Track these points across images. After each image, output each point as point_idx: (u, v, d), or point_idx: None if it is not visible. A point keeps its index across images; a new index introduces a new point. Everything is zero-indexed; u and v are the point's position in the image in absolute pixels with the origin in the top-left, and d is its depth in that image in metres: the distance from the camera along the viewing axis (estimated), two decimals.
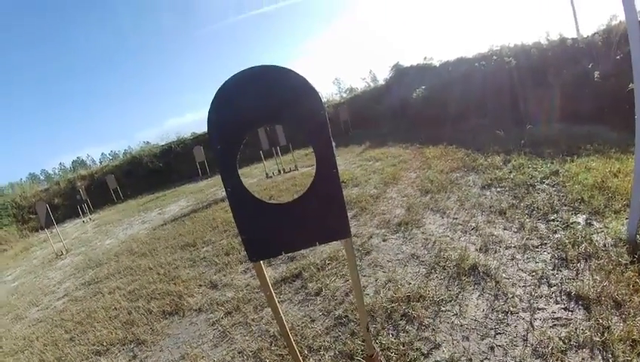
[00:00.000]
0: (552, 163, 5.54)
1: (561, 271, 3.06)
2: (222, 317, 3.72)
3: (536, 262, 3.26)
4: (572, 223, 3.74)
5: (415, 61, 17.19)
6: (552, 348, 2.27)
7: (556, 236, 3.59)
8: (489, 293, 3.00)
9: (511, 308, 2.75)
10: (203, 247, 6.03)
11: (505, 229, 4.02)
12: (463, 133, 9.72)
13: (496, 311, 2.76)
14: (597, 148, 5.69)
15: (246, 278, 4.45)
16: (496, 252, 3.60)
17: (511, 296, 2.89)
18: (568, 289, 2.78)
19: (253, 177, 11.87)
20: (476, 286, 3.14)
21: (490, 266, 3.32)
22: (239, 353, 3.09)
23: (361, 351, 2.67)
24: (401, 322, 2.91)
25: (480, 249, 3.72)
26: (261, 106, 1.86)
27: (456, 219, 4.57)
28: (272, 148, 11.43)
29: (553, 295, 2.79)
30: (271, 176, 10.90)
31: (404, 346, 2.63)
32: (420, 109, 13.28)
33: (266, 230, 2.01)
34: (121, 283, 5.48)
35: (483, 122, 10.04)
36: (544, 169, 5.38)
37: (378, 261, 4.01)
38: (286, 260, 4.59)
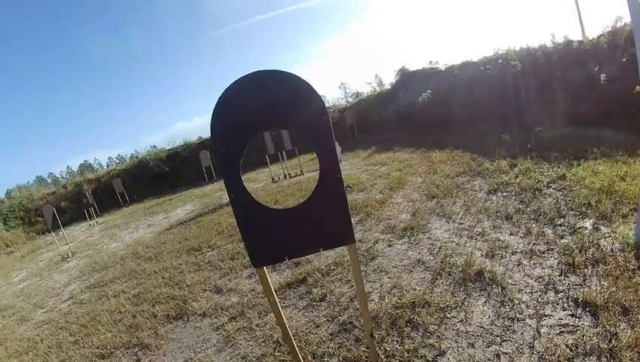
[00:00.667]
0: (559, 167, 5.50)
1: (568, 276, 3.02)
2: (226, 322, 3.71)
3: (543, 268, 3.22)
4: (579, 228, 3.70)
5: (421, 65, 17.21)
6: (558, 356, 2.24)
7: (563, 241, 3.56)
8: (495, 300, 2.97)
9: (517, 315, 2.72)
10: (208, 252, 6.03)
11: (511, 234, 3.98)
12: (469, 137, 9.68)
13: (503, 318, 2.73)
14: (604, 152, 5.64)
15: (251, 283, 4.44)
16: (502, 257, 3.56)
17: (517, 302, 2.86)
18: (575, 296, 2.74)
19: (259, 182, 11.89)
20: (482, 292, 3.11)
21: (497, 272, 3.29)
22: (243, 358, 3.08)
23: (366, 357, 2.65)
24: (405, 328, 2.88)
25: (486, 254, 3.69)
26: (264, 111, 1.86)
27: (462, 224, 4.54)
28: (277, 152, 11.45)
29: (560, 301, 2.76)
30: (277, 181, 10.91)
31: (408, 353, 2.60)
32: (425, 114, 13.24)
33: (270, 235, 2.00)
34: (126, 286, 5.50)
35: (489, 126, 9.99)
36: (551, 173, 5.34)
37: (383, 266, 3.98)
38: (291, 265, 4.58)
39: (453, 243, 4.09)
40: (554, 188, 4.86)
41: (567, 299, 2.76)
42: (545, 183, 5.06)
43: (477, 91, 11.53)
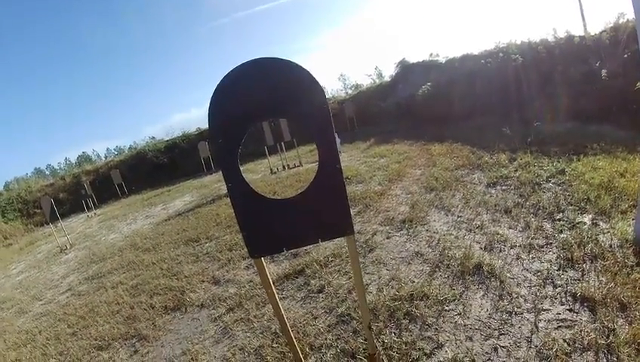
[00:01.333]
0: (559, 162, 5.48)
1: (566, 271, 3.02)
2: (224, 313, 3.71)
3: (542, 262, 3.22)
4: (578, 223, 3.69)
5: (421, 58, 17.13)
6: (556, 350, 2.24)
7: (562, 236, 3.55)
8: (493, 293, 2.97)
9: (515, 309, 2.72)
10: (206, 243, 6.03)
11: (510, 228, 3.97)
12: (469, 130, 9.65)
13: (501, 312, 2.73)
14: (604, 148, 5.62)
15: (249, 274, 4.44)
16: (501, 251, 3.56)
17: (515, 296, 2.86)
18: (574, 291, 2.74)
19: (258, 173, 11.86)
20: (480, 285, 3.11)
21: (495, 265, 3.29)
22: (240, 349, 3.08)
23: (363, 349, 2.65)
24: (403, 321, 2.88)
25: (485, 248, 3.68)
26: (263, 99, 1.84)
27: (461, 217, 4.54)
28: (276, 143, 11.42)
29: (558, 296, 2.75)
30: (275, 172, 10.89)
31: (406, 345, 2.60)
32: (425, 106, 13.20)
33: (267, 226, 1.99)
34: (124, 278, 5.49)
35: (489, 120, 9.96)
36: (550, 167, 5.33)
37: (382, 258, 3.98)
38: (289, 256, 4.57)
39: (452, 236, 4.08)
40: (553, 183, 4.85)
41: (565, 293, 2.76)
42: (544, 178, 5.05)
43: (477, 84, 11.48)
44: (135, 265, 5.93)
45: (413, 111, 14.16)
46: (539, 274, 3.07)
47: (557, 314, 2.58)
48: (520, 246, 3.56)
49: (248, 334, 3.27)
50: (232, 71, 1.78)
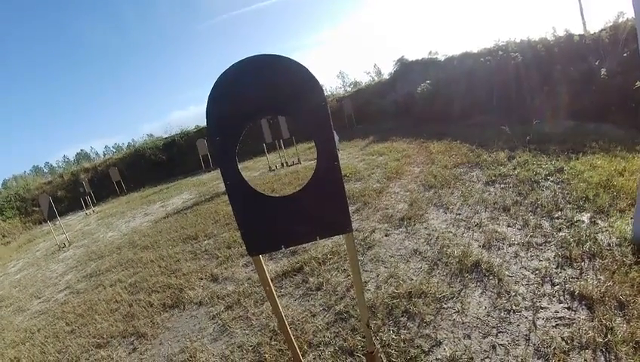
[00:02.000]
0: (557, 160, 5.48)
1: (564, 269, 3.02)
2: (222, 311, 3.71)
3: (540, 260, 3.22)
4: (576, 221, 3.69)
5: (420, 55, 17.11)
6: (554, 348, 2.24)
7: (560, 234, 3.55)
8: (491, 291, 2.97)
9: (513, 307, 2.72)
10: (205, 240, 6.02)
11: (508, 226, 3.98)
12: (468, 128, 9.65)
13: (499, 309, 2.73)
14: (602, 147, 5.62)
15: (247, 272, 4.44)
16: (499, 249, 3.56)
17: (514, 294, 2.86)
18: (572, 289, 2.74)
19: (256, 170, 11.85)
20: (479, 283, 3.11)
21: (493, 263, 3.29)
22: (239, 347, 3.08)
23: (362, 347, 2.65)
24: (402, 318, 2.88)
25: (483, 245, 3.68)
26: (261, 97, 1.83)
27: (460, 214, 4.54)
28: (275, 141, 11.41)
29: (556, 294, 2.76)
30: (274, 170, 10.89)
31: (404, 343, 2.61)
32: (424, 104, 13.19)
33: (266, 223, 1.98)
34: (122, 275, 5.49)
35: (488, 118, 9.97)
36: (549, 166, 5.33)
37: (380, 256, 3.98)
38: (287, 254, 4.57)
39: (451, 234, 4.08)
40: (552, 181, 4.85)
41: (563, 292, 2.76)
42: (543, 176, 5.05)
43: (476, 83, 11.46)
44: (133, 262, 5.92)
45: (412, 109, 14.15)
46: (537, 272, 3.07)
47: (555, 312, 2.58)
48: (518, 244, 3.56)
49: (247, 332, 3.26)
50: (229, 68, 1.77)
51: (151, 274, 5.13)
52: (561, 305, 2.63)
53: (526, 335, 2.43)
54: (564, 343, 2.27)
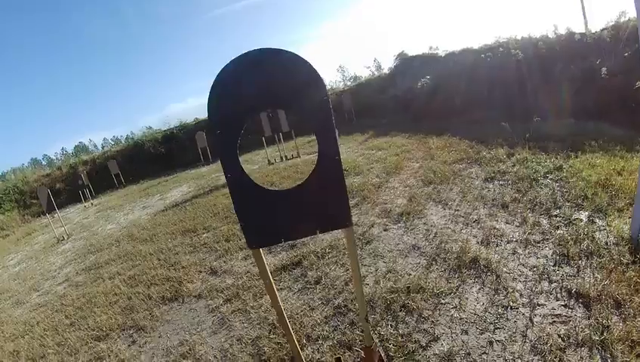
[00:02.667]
0: (557, 158, 5.50)
1: (562, 267, 3.04)
2: (221, 304, 3.73)
3: (538, 258, 3.24)
4: (574, 220, 3.71)
5: (420, 50, 17.06)
6: (550, 345, 2.26)
7: (558, 232, 3.57)
8: (489, 287, 2.99)
9: (511, 303, 2.74)
10: (203, 233, 6.03)
11: (507, 223, 3.99)
12: (468, 124, 9.64)
13: (496, 306, 2.76)
14: (602, 146, 5.62)
15: (246, 265, 4.45)
16: (497, 245, 3.58)
17: (511, 290, 2.88)
18: (569, 287, 2.77)
19: (255, 163, 11.84)
20: (477, 279, 3.13)
21: (491, 260, 3.31)
22: (238, 340, 3.10)
23: (360, 341, 2.68)
24: (400, 313, 2.91)
25: (481, 242, 3.70)
26: (263, 91, 1.83)
27: (458, 210, 4.55)
28: (274, 134, 11.40)
29: (554, 291, 2.78)
30: (273, 163, 10.88)
31: (402, 337, 2.63)
32: (424, 99, 13.16)
33: (266, 217, 1.99)
34: (121, 268, 5.50)
35: (488, 114, 9.95)
36: (548, 164, 5.34)
37: (379, 251, 4.00)
38: (286, 247, 4.58)
39: (449, 230, 4.10)
40: (551, 179, 4.87)
41: (560, 289, 2.78)
42: (542, 173, 5.06)
43: (476, 79, 11.44)
44: (132, 255, 5.93)
45: (411, 104, 14.11)
46: (535, 269, 3.09)
47: (552, 309, 2.60)
48: (516, 241, 3.58)
49: (245, 325, 3.28)
50: (231, 62, 1.76)
51: (150, 267, 5.14)
52: (558, 302, 2.66)
53: (523, 331, 2.46)
54: (560, 340, 2.30)
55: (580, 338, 2.28)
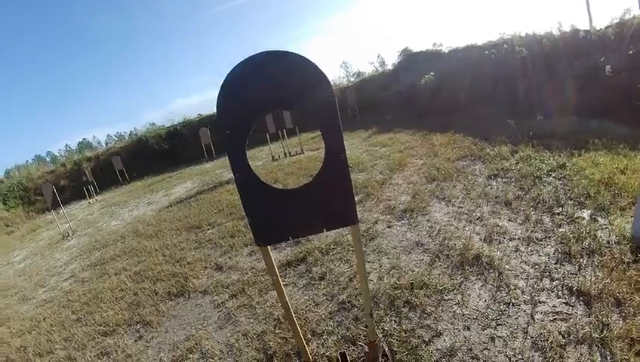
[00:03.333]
0: (560, 156, 5.51)
1: (563, 265, 3.07)
2: (227, 300, 3.78)
3: (540, 255, 3.27)
4: (577, 218, 3.74)
5: (424, 47, 17.00)
6: (551, 342, 2.30)
7: (560, 230, 3.60)
8: (492, 284, 3.03)
9: (513, 300, 2.78)
10: (208, 229, 6.09)
11: (510, 220, 4.02)
12: (471, 121, 9.64)
13: (498, 302, 2.80)
14: (605, 144, 5.63)
15: (251, 261, 4.50)
16: (500, 243, 3.61)
17: (513, 287, 2.92)
18: (570, 284, 2.80)
19: (259, 160, 11.87)
20: (479, 276, 3.17)
21: (494, 257, 3.34)
22: (243, 335, 3.15)
23: (364, 336, 2.72)
24: (403, 309, 2.95)
25: (484, 239, 3.74)
26: (270, 92, 1.87)
27: (462, 208, 4.58)
28: (278, 130, 11.43)
29: (555, 289, 2.81)
30: (277, 159, 10.91)
31: (406, 333, 2.67)
32: (428, 96, 13.15)
33: (274, 215, 2.03)
34: (127, 264, 5.56)
35: (491, 111, 9.94)
36: (551, 161, 5.35)
37: (382, 247, 4.04)
38: (291, 244, 4.63)
39: (452, 227, 4.14)
40: (554, 177, 4.88)
41: (562, 287, 2.82)
42: (545, 171, 5.08)
43: (480, 76, 11.43)
44: (138, 251, 5.99)
45: (415, 101, 14.10)
46: (537, 266, 3.13)
47: (553, 306, 2.64)
48: (519, 238, 3.62)
49: (251, 320, 3.33)
50: (239, 64, 1.80)
51: (155, 263, 5.20)
52: (560, 300, 2.69)
53: (524, 328, 2.50)
54: (560, 337, 2.33)
55: (580, 335, 2.32)
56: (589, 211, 3.83)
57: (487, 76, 11.21)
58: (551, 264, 3.12)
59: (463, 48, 14.13)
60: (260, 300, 3.60)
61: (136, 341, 3.57)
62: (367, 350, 2.53)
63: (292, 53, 1.81)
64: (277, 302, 3.38)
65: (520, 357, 2.28)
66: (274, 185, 2.09)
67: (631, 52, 7.90)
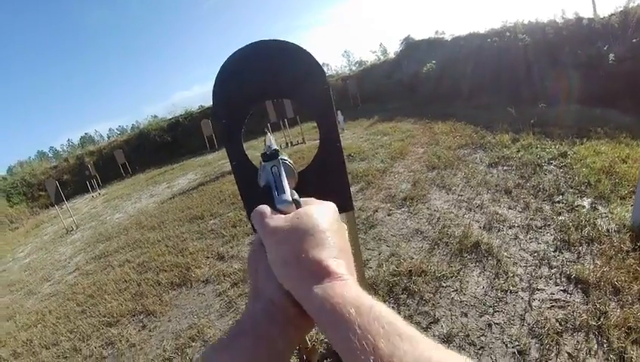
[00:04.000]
0: (561, 144, 5.49)
1: (562, 253, 3.08)
2: (228, 288, 3.82)
3: (539, 243, 3.28)
4: (577, 206, 3.74)
5: (426, 35, 16.87)
6: (548, 329, 2.31)
7: (560, 218, 3.60)
8: (490, 271, 3.04)
9: (510, 287, 2.79)
10: (210, 220, 6.12)
11: (509, 208, 4.03)
12: (473, 109, 9.61)
13: (496, 289, 2.81)
14: (607, 132, 5.61)
15: None
16: (499, 230, 3.62)
17: (511, 275, 2.93)
18: (568, 272, 2.81)
19: (260, 150, 11.80)
20: (478, 263, 3.19)
21: (493, 244, 3.36)
22: None
23: None
24: (402, 296, 2.97)
25: (484, 227, 3.75)
26: (266, 81, 1.87)
27: (462, 196, 4.59)
28: (279, 120, 11.40)
29: (553, 276, 2.83)
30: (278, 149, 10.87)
31: (404, 320, 2.68)
32: (429, 84, 13.10)
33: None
34: (130, 256, 5.61)
35: (493, 99, 9.89)
36: (552, 150, 5.34)
37: (382, 235, 4.06)
38: None
39: (452, 215, 4.15)
40: (555, 165, 4.87)
41: (560, 274, 2.83)
42: (546, 160, 5.06)
43: (482, 64, 11.36)
44: (141, 243, 6.04)
45: (417, 89, 14.04)
46: (535, 254, 3.14)
47: (551, 294, 2.65)
48: (518, 226, 3.62)
49: None
50: (235, 52, 1.80)
51: (158, 254, 5.24)
52: (557, 287, 2.71)
53: (521, 315, 2.51)
54: (558, 324, 2.35)
55: (578, 323, 2.33)
56: (590, 199, 3.82)
57: (489, 64, 11.13)
58: (550, 252, 3.13)
59: (466, 36, 14.03)
60: None
61: (139, 330, 3.62)
62: None
63: (287, 41, 1.81)
64: None
65: (517, 343, 2.30)
66: None
67: (635, 40, 7.82)
